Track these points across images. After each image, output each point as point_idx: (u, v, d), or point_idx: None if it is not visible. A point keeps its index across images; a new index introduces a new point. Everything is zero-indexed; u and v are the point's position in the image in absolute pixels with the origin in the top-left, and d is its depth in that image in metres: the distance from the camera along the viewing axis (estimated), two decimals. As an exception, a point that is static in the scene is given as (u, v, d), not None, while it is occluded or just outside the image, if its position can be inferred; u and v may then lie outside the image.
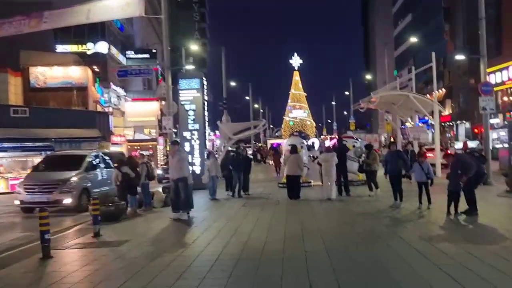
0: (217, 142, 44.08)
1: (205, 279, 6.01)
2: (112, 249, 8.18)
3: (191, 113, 20.18)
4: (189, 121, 20.19)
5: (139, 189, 13.54)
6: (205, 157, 19.31)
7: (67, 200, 13.74)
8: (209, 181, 15.49)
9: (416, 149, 19.36)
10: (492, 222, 9.27)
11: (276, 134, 67.43)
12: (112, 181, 13.62)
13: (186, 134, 20.26)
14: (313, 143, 32.99)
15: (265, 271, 6.24)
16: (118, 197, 12.94)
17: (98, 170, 15.81)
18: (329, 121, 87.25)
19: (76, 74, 32.56)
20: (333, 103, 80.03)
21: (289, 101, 62.16)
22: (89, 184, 14.76)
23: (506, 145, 29.29)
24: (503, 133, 34.33)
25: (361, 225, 9.49)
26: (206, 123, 21.19)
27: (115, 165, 14.20)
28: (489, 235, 8.12)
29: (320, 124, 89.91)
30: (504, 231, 8.32)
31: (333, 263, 6.46)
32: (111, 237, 9.43)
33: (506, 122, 37.97)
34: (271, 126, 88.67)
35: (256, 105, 75.06)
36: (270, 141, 43.67)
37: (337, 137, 20.38)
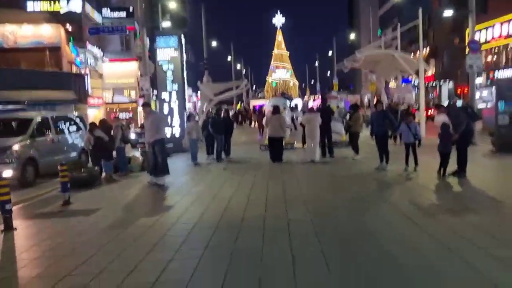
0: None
1: (179, 251, 5.50)
2: (81, 219, 7.60)
3: (169, 73, 19.33)
4: (168, 82, 19.37)
5: (115, 154, 12.93)
6: (185, 119, 18.65)
7: (7, 173, 11.09)
8: (190, 144, 14.84)
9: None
10: (482, 184, 8.90)
11: (259, 95, 66.57)
12: (84, 145, 12.89)
13: (165, 96, 19.47)
14: (296, 104, 32.49)
15: (244, 241, 5.74)
16: (91, 162, 12.28)
17: (51, 135, 13.70)
18: (312, 81, 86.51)
19: (48, 33, 30.97)
20: (316, 63, 79.06)
21: (272, 61, 61.09)
22: (36, 154, 12.47)
23: (489, 105, 29.36)
24: (486, 93, 34.22)
25: (346, 190, 9.05)
26: (186, 84, 20.36)
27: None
28: (480, 199, 7.73)
29: (303, 85, 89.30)
30: (496, 193, 7.95)
31: (318, 232, 5.98)
32: (82, 205, 8.84)
33: (489, 82, 37.88)
34: (254, 87, 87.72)
35: (238, 66, 73.71)
36: (253, 102, 42.96)
37: (321, 97, 19.70)
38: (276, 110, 14.66)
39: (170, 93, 19.36)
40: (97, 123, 13.22)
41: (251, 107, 43.38)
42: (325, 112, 15.12)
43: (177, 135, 19.31)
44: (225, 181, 10.80)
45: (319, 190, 9.10)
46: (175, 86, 19.32)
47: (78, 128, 15.46)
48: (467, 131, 9.71)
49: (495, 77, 35.42)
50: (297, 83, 69.02)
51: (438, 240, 5.36)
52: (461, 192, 8.57)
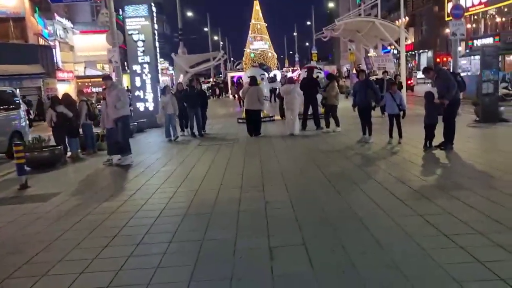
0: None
1: (140, 245, 4.79)
2: (37, 205, 6.81)
3: (140, 44, 18.32)
4: (139, 53, 18.37)
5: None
6: (160, 93, 17.72)
7: None
8: (165, 120, 13.89)
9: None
10: (470, 157, 8.39)
11: (237, 67, 65.19)
12: (46, 122, 11.93)
13: (136, 68, 18.49)
14: (275, 75, 31.62)
15: (216, 231, 5.05)
16: (54, 140, 11.39)
17: None
18: (291, 52, 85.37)
19: (11, 2, 29.20)
20: (295, 33, 77.75)
21: (249, 32, 59.68)
22: None
23: (469, 73, 29.01)
24: (464, 62, 33.85)
25: (329, 166, 8.42)
26: (158, 55, 19.32)
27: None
28: (470, 173, 7.17)
29: (282, 56, 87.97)
30: (486, 167, 7.43)
31: (299, 217, 5.35)
32: (41, 188, 8.06)
33: (468, 51, 37.51)
34: (232, 59, 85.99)
35: (215, 37, 71.90)
36: (230, 74, 41.81)
37: (308, 67, 18.78)
38: (253, 81, 13.87)
39: (141, 65, 18.37)
40: (60, 98, 12.29)
41: (229, 79, 42.25)
42: (311, 82, 14.38)
43: (150, 109, 18.43)
44: (199, 159, 10.08)
45: (299, 167, 8.44)
46: (147, 58, 18.32)
47: (13, 106, 13.34)
48: (455, 100, 9.14)
49: (475, 45, 35.06)
50: (275, 54, 67.86)
51: (433, 226, 4.76)
52: (449, 166, 8.02)
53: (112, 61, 16.55)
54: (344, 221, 5.12)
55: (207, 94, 36.82)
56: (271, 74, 31.39)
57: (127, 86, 22.74)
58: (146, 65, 18.33)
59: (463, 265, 3.81)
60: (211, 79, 58.16)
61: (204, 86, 43.38)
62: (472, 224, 4.73)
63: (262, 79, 18.15)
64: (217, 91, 43.18)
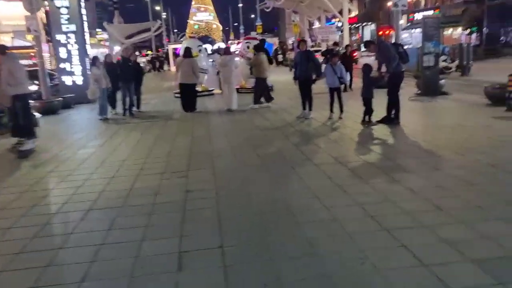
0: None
1: (21, 254, 3.86)
2: None
3: (64, 11, 16.63)
4: (63, 22, 16.67)
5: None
6: (89, 65, 16.19)
7: None
8: (99, 95, 12.19)
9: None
10: (414, 133, 7.92)
11: (181, 39, 62.94)
12: None
13: (60, 38, 16.80)
14: (219, 47, 30.44)
15: (119, 233, 4.18)
16: None
17: None
18: (236, 24, 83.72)
19: None
20: (240, 4, 76.00)
21: (193, 2, 57.51)
22: None
23: (410, 46, 29.15)
24: (406, 35, 34.10)
25: (264, 146, 7.68)
26: (85, 24, 17.65)
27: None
28: (415, 152, 6.65)
29: (227, 28, 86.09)
30: (430, 144, 6.95)
31: (222, 211, 4.57)
32: None
33: (409, 24, 37.86)
34: (176, 30, 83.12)
35: (157, 7, 68.93)
36: (172, 46, 40.06)
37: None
38: (187, 53, 12.79)
39: (66, 34, 16.71)
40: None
41: (170, 51, 40.50)
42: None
43: (78, 83, 16.91)
44: (123, 141, 9.05)
45: (232, 148, 7.64)
46: (72, 27, 16.66)
47: None
48: (397, 73, 8.61)
49: (415, 19, 35.38)
50: (220, 26, 66.22)
51: (373, 218, 4.13)
52: (394, 144, 7.49)
53: (31, 29, 14.86)
54: (275, 216, 4.38)
55: (146, 68, 35.09)
56: (215, 46, 30.22)
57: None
58: (71, 35, 16.68)
59: (408, 270, 3.19)
60: (151, 52, 55.69)
61: (143, 60, 41.40)
62: (417, 215, 4.15)
63: (200, 50, 17.08)
64: (157, 64, 41.28)
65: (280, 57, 35.24)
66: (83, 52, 17.05)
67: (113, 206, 4.90)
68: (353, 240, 3.70)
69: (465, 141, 7.05)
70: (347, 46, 17.78)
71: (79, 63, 16.95)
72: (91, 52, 18.39)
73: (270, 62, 13.89)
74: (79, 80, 16.97)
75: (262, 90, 12.66)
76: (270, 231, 4.00)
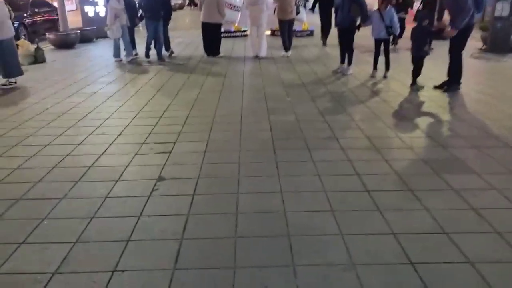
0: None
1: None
2: None
3: None
4: None
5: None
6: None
7: None
8: (119, 33, 10.39)
9: None
10: (477, 105, 6.12)
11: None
12: None
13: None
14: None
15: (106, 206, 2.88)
16: None
17: None
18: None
19: None
20: None
21: None
22: None
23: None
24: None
25: (283, 110, 6.05)
26: None
27: None
28: (479, 135, 4.94)
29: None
30: (497, 124, 5.20)
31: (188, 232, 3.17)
32: None
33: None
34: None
35: None
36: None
37: None
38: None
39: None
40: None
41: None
42: None
43: (102, 15, 15.47)
44: (112, 94, 7.67)
45: (240, 111, 6.07)
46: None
47: None
48: (469, 27, 6.62)
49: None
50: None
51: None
52: (450, 121, 5.65)
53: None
54: (280, 233, 2.93)
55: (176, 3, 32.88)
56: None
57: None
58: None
59: None
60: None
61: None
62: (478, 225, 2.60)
63: (232, -17, 15.10)
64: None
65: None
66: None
67: (99, 178, 3.58)
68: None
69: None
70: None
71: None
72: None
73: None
74: (103, 12, 15.52)
75: (289, 35, 10.84)
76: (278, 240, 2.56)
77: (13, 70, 8.07)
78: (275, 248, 2.80)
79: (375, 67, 8.24)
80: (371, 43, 8.34)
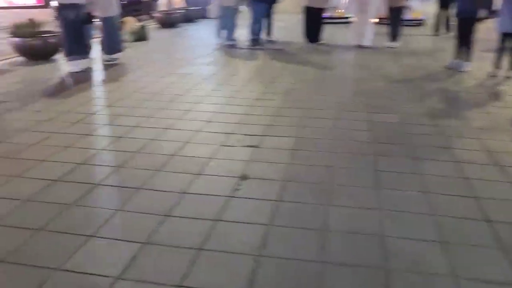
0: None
1: None
2: None
3: None
4: None
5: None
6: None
7: None
8: (222, 15, 10.08)
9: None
10: None
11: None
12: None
13: None
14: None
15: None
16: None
17: None
18: None
19: None
20: None
21: None
22: None
23: None
24: None
25: (384, 109, 5.38)
26: None
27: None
28: None
29: None
30: None
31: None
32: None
33: None
34: None
35: None
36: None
37: None
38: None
39: None
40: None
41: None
42: None
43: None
44: (196, 86, 7.45)
45: (335, 107, 5.51)
46: None
47: None
48: None
49: None
50: None
51: None
52: None
53: None
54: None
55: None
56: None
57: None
58: None
59: None
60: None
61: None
62: None
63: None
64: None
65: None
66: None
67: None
68: None
69: None
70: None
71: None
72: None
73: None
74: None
75: (397, 24, 9.95)
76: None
77: (115, 47, 8.24)
78: (369, 283, 2.31)
79: (497, 66, 7.19)
80: (493, 38, 7.28)
